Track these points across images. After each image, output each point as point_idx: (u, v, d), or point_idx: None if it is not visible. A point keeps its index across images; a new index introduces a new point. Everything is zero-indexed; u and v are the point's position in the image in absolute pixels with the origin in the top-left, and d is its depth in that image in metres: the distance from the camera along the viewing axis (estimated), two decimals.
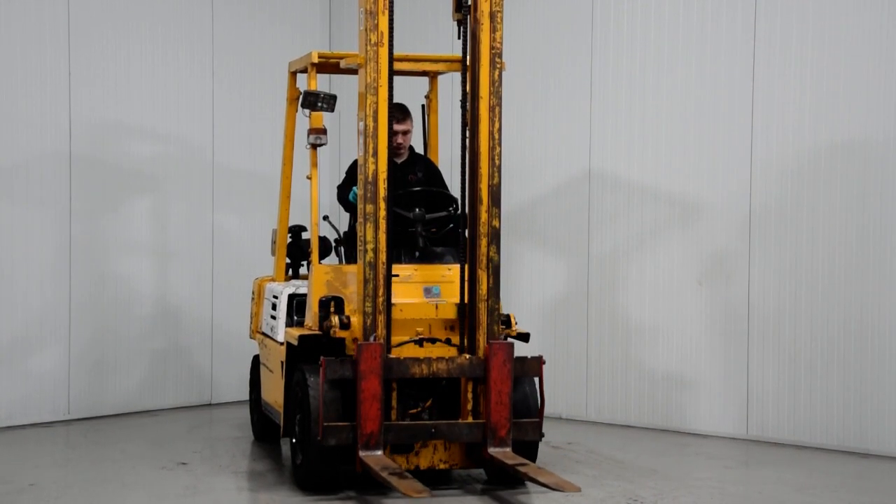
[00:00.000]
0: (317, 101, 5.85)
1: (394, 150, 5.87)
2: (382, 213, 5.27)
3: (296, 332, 5.68)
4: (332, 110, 5.92)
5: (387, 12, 5.23)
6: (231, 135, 8.35)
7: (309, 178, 6.09)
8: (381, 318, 5.22)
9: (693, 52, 7.24)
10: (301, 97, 6.01)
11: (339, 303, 5.49)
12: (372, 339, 5.20)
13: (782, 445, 6.53)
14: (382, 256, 5.28)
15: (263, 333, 6.76)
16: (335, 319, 5.34)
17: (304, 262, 6.80)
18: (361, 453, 5.06)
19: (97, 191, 7.55)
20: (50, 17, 7.32)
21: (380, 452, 5.10)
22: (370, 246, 5.25)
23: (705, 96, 7.15)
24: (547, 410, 6.23)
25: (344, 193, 6.24)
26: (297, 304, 6.27)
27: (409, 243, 5.84)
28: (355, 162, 5.97)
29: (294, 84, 6.68)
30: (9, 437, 6.87)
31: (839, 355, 6.53)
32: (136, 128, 7.79)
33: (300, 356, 5.58)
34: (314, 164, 6.12)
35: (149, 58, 7.87)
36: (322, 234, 6.29)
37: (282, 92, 7.21)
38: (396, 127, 5.92)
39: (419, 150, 6.62)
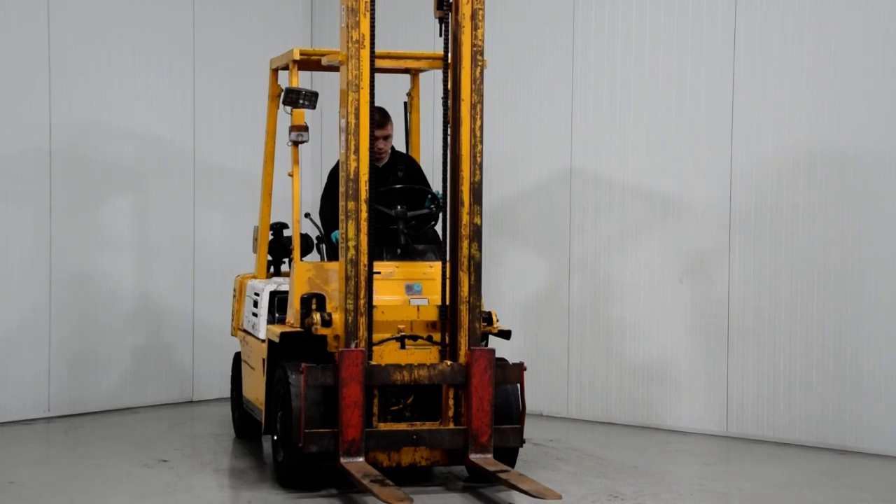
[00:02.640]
0: (298, 98, 5.78)
1: (374, 154, 5.80)
2: (364, 213, 5.25)
3: (277, 329, 5.64)
4: (314, 107, 5.87)
5: (369, 10, 5.22)
6: (212, 132, 8.31)
7: (291, 174, 6.01)
8: (362, 319, 5.22)
9: (674, 51, 7.34)
10: (282, 94, 5.90)
11: (320, 300, 5.49)
12: (353, 345, 5.17)
13: (762, 442, 6.58)
14: (364, 255, 5.27)
15: (245, 331, 6.73)
16: (317, 317, 5.34)
17: (286, 260, 6.74)
18: (343, 460, 5.06)
19: (77, 188, 7.51)
20: (30, 13, 7.24)
21: (361, 459, 5.09)
22: (352, 243, 5.22)
23: (686, 96, 7.24)
24: (528, 408, 6.21)
25: (326, 216, 6.19)
26: (278, 302, 6.22)
27: (390, 240, 5.82)
28: (336, 168, 5.94)
29: (276, 81, 6.58)
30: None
31: (818, 353, 6.60)
32: (116, 125, 7.75)
33: (282, 353, 5.56)
34: (296, 162, 6.02)
35: (129, 54, 7.83)
36: (304, 232, 6.23)
37: (263, 89, 7.14)
38: (377, 132, 5.87)
39: (401, 147, 6.60)
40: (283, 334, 5.47)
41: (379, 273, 5.51)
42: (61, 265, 7.39)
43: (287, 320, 5.89)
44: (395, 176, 6.24)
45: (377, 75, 5.41)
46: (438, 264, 5.66)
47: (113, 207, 7.73)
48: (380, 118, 5.99)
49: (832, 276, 6.56)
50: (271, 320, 6.18)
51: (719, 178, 7.07)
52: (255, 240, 6.90)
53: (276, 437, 5.60)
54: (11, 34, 7.16)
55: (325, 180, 6.61)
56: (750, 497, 5.28)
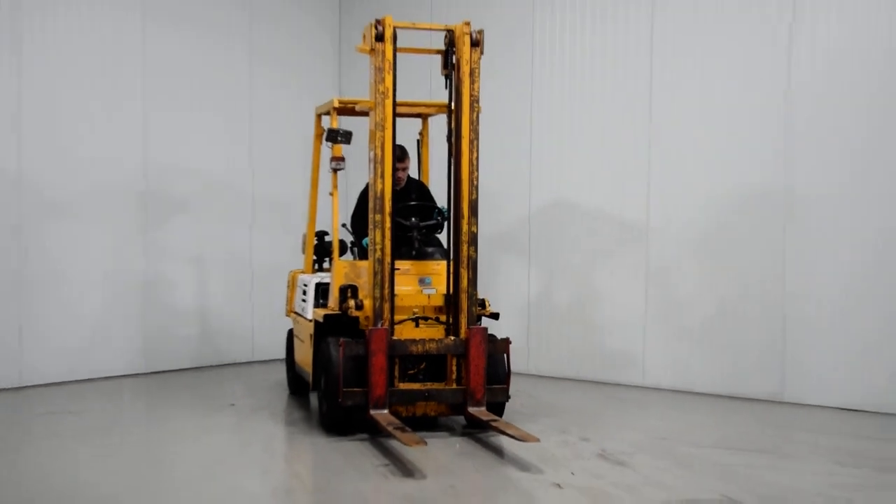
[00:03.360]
0: (337, 136, 6.78)
1: (396, 180, 6.81)
2: (388, 223, 6.27)
3: (321, 311, 6.70)
4: (349, 143, 6.81)
5: (391, 69, 6.25)
6: (265, 168, 10.07)
7: (331, 194, 6.99)
8: (386, 305, 6.24)
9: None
10: (325, 133, 6.90)
11: (354, 290, 6.51)
12: (379, 325, 6.17)
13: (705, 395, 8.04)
14: (388, 255, 6.27)
15: (296, 313, 7.86)
16: (352, 303, 6.37)
17: (327, 259, 7.96)
18: (371, 411, 6.08)
19: (162, 213, 9.25)
20: (128, 77, 8.98)
21: (385, 411, 6.12)
22: (378, 246, 6.23)
23: (652, 140, 8.54)
24: (525, 369, 7.61)
25: (356, 228, 7.27)
26: (322, 291, 7.27)
27: (407, 244, 6.82)
28: (365, 190, 7.11)
29: (319, 124, 7.71)
30: (103, 386, 8.50)
31: (744, 329, 7.99)
32: (187, 165, 9.42)
33: (325, 330, 6.59)
34: (335, 185, 7.02)
35: (199, 106, 9.50)
36: (340, 238, 7.23)
37: (300, 130, 8.77)
38: (398, 165, 6.93)
39: (415, 174, 7.78)
40: (325, 316, 6.54)
41: (399, 269, 6.50)
42: (153, 269, 9.19)
43: (329, 305, 6.87)
44: (410, 196, 7.23)
45: (397, 119, 6.38)
46: (444, 262, 6.74)
47: (188, 228, 9.47)
48: (400, 153, 7.03)
49: (762, 286, 7.88)
50: (316, 305, 7.19)
51: (676, 207, 8.40)
52: (303, 244, 8.02)
53: (320, 394, 6.67)
54: (111, 95, 8.86)
55: (352, 200, 7.76)
56: (689, 434, 6.42)
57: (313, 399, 7.61)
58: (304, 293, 7.57)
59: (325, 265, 8.12)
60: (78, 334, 8.62)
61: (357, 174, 8.47)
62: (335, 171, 6.95)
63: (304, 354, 7.32)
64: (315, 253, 8.03)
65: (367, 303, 6.36)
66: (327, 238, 7.95)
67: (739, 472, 5.56)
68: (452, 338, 6.40)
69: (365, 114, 6.98)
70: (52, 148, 8.46)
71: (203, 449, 6.27)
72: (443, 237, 7.14)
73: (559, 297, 9.18)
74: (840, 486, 5.28)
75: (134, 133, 9.03)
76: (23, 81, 8.26)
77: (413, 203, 7.06)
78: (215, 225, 9.72)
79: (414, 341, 6.29)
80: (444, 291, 6.63)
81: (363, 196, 7.28)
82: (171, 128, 9.30)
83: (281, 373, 8.87)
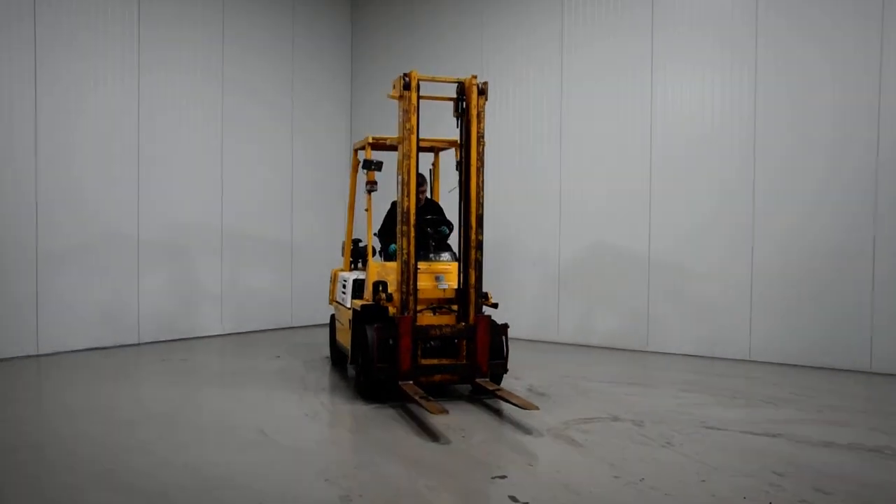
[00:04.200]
0: (371, 165, 8.07)
1: (418, 199, 8.23)
2: (412, 233, 7.39)
3: (359, 302, 8.02)
4: (380, 170, 8.14)
5: (416, 111, 7.37)
6: (303, 199, 13.34)
7: (367, 210, 8.29)
8: (411, 297, 7.37)
9: (613, 134, 10.96)
10: (361, 163, 8.17)
11: (384, 285, 7.68)
12: (405, 313, 7.29)
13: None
14: (412, 258, 7.40)
15: (337, 302, 9.32)
16: (383, 295, 7.57)
17: (360, 261, 9.40)
18: (400, 382, 7.23)
19: (234, 246, 12.26)
20: (214, 142, 12.12)
21: (411, 382, 7.25)
22: (405, 251, 7.36)
23: (621, 171, 10.82)
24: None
25: (384, 241, 8.70)
26: (357, 286, 8.58)
27: (425, 249, 8.13)
28: (391, 208, 8.59)
29: (356, 156, 9.21)
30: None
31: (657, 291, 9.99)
32: (257, 190, 13.06)
33: (361, 317, 7.79)
34: (369, 204, 8.31)
35: (255, 149, 12.74)
36: (372, 244, 8.74)
37: (329, 166, 11.54)
38: (420, 188, 8.45)
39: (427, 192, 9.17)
40: (362, 306, 7.81)
41: (420, 269, 7.69)
42: (232, 269, 12.09)
43: (364, 297, 8.17)
44: (427, 213, 8.59)
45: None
46: (455, 264, 8.01)
47: (257, 253, 13.06)
48: (420, 180, 8.29)
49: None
50: (354, 297, 8.48)
51: (642, 227, 10.62)
52: (342, 248, 9.77)
53: (357, 367, 7.89)
54: (198, 161, 11.68)
55: (380, 215, 9.47)
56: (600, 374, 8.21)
57: (351, 370, 9.40)
58: (344, 287, 8.92)
59: (360, 265, 9.51)
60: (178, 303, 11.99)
61: (381, 196, 10.09)
62: (370, 192, 8.17)
63: (344, 335, 8.69)
64: (351, 255, 9.59)
65: (395, 295, 7.50)
66: (361, 244, 9.45)
67: (620, 398, 8.01)
68: (463, 324, 7.50)
69: (392, 148, 8.39)
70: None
71: (266, 392, 8.15)
72: (453, 243, 8.77)
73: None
74: (685, 405, 7.75)
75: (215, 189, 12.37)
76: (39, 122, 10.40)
77: (429, 218, 8.34)
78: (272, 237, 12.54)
79: (433, 326, 7.39)
80: (456, 286, 7.81)
81: (390, 212, 8.73)
82: (242, 176, 12.84)
83: (313, 334, 11.07)
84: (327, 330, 13.21)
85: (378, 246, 9.12)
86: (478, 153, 7.48)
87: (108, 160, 10.83)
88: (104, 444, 6.39)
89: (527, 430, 6.75)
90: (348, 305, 8.51)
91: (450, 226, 8.35)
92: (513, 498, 5.12)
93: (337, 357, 9.59)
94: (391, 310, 7.59)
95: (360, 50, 14.08)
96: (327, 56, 13.98)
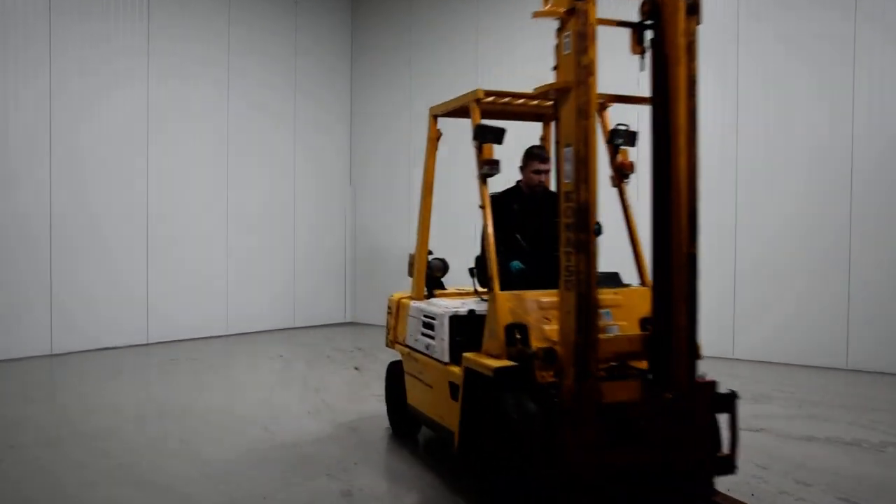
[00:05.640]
0: (488, 134, 5.20)
1: (535, 187, 5.76)
2: (593, 245, 4.26)
3: (489, 362, 4.68)
4: (501, 143, 5.22)
5: (595, 40, 4.25)
6: (304, 199, 13.87)
7: (482, 207, 5.19)
8: (591, 354, 4.21)
9: None
10: (474, 130, 5.25)
11: (523, 330, 4.71)
12: (581, 381, 4.18)
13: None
14: (593, 289, 4.26)
15: (409, 347, 6.18)
16: (534, 350, 4.51)
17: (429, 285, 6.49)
18: (572, 495, 4.19)
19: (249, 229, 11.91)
20: (219, 145, 12.19)
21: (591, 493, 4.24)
22: (582, 277, 4.22)
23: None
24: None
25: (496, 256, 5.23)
26: (457, 326, 5.47)
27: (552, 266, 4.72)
28: (497, 204, 5.47)
29: (435, 125, 6.17)
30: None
31: None
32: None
33: (492, 384, 4.60)
34: (486, 198, 5.21)
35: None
36: (439, 257, 6.32)
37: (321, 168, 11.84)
38: (541, 166, 5.77)
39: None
40: (498, 370, 4.55)
41: (547, 300, 4.87)
42: (237, 271, 12.04)
43: (484, 348, 4.95)
44: (546, 208, 5.65)
45: (512, 122, 5.63)
46: (625, 290, 5.23)
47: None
48: (543, 155, 5.83)
49: None
50: (453, 343, 5.44)
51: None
52: (411, 265, 6.48)
53: (491, 465, 4.67)
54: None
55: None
56: None
57: (427, 442, 6.58)
58: (429, 327, 5.83)
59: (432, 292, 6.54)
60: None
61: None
62: (485, 177, 5.23)
63: (434, 403, 5.78)
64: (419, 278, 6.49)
65: (564, 354, 4.33)
66: (430, 257, 6.51)
67: None
68: (671, 396, 4.40)
69: (497, 112, 5.87)
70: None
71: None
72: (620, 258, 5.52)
73: None
74: None
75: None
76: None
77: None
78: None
79: (632, 404, 4.37)
80: (631, 329, 4.96)
81: (497, 204, 5.54)
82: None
83: (311, 337, 11.34)
84: (328, 330, 13.34)
85: (471, 266, 5.94)
86: (687, 110, 4.35)
87: (118, 164, 11.06)
88: (116, 439, 6.50)
89: None
90: (442, 358, 5.55)
91: (599, 229, 5.21)
92: None
93: (406, 425, 6.62)
94: (539, 372, 4.55)
95: (360, 50, 14.18)
96: (328, 55, 14.00)
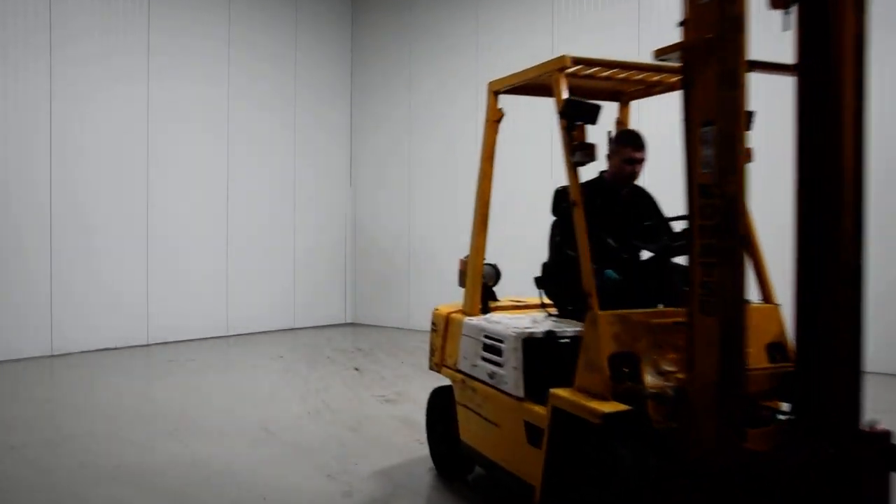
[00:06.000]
0: (581, 110, 4.20)
1: (625, 178, 4.89)
2: (739, 253, 3.40)
3: (593, 404, 3.77)
4: (595, 122, 4.23)
5: None
6: (305, 200, 13.27)
7: (574, 204, 4.26)
8: (737, 399, 3.38)
9: None
10: (563, 106, 4.27)
11: (633, 361, 3.88)
12: (726, 431, 3.34)
13: None
14: (742, 309, 3.41)
15: (465, 373, 5.15)
16: (666, 392, 3.62)
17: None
18: None
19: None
20: (219, 145, 11.59)
21: None
22: (728, 297, 3.36)
23: None
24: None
25: (567, 243, 4.63)
26: (532, 351, 4.49)
27: (650, 281, 4.38)
28: (562, 190, 4.80)
29: (495, 104, 5.26)
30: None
31: None
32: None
33: (603, 432, 3.70)
34: (577, 192, 4.25)
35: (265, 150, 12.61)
36: (488, 262, 5.31)
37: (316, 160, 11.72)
38: (635, 154, 4.85)
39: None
40: (609, 416, 3.65)
41: (661, 322, 3.99)
42: (237, 272, 11.76)
43: (578, 382, 4.02)
44: (637, 207, 5.00)
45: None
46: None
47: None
48: (637, 140, 4.90)
49: None
50: (528, 371, 4.46)
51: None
52: (463, 273, 5.42)
53: None
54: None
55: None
56: None
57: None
58: (491, 350, 4.83)
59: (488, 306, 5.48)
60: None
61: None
62: (578, 165, 4.28)
63: (493, 440, 4.85)
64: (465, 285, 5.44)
65: (651, 381, 3.75)
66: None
67: None
68: (832, 451, 3.37)
69: (527, 91, 5.11)
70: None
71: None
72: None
73: None
74: None
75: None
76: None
77: (676, 216, 4.51)
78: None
79: (778, 461, 3.38)
80: (767, 360, 4.15)
81: (564, 198, 4.79)
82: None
83: (312, 337, 11.28)
84: (328, 331, 13.21)
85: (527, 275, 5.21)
86: (853, 80, 3.32)
87: (118, 164, 11.01)
88: (116, 440, 6.49)
89: None
90: (513, 392, 4.55)
91: (680, 236, 4.56)
92: None
93: (450, 460, 5.53)
94: (654, 416, 3.68)
95: (360, 48, 14.10)
96: (328, 53, 13.87)
